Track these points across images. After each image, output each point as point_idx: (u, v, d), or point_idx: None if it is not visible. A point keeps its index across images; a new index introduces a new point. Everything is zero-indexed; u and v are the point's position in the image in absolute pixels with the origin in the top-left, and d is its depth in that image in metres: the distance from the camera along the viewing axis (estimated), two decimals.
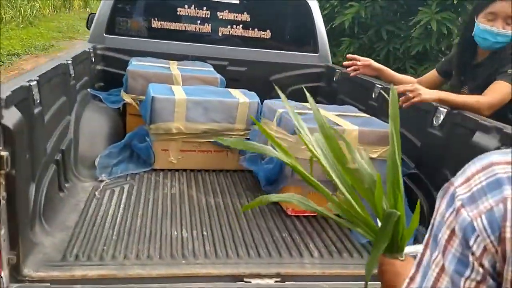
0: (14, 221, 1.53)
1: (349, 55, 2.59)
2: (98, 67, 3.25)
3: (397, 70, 6.17)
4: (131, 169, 2.52)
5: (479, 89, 2.09)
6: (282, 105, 2.40)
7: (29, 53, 8.65)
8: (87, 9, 14.98)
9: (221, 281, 1.68)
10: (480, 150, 1.75)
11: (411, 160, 2.29)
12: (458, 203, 0.63)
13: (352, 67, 2.50)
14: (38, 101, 1.82)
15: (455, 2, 4.88)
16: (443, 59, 2.62)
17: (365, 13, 5.66)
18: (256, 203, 1.41)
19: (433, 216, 0.68)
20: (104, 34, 3.33)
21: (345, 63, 2.56)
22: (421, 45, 5.46)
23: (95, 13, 4.20)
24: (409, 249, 1.09)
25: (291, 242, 1.94)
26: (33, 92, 1.76)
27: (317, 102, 3.36)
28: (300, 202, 1.19)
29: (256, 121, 1.91)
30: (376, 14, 5.75)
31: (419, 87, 2.01)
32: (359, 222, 1.10)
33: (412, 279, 0.69)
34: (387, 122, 1.16)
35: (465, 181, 0.64)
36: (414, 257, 0.74)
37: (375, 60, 6.76)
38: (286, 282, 1.70)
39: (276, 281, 1.70)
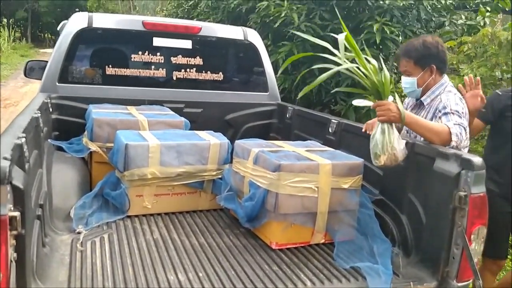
0: (23, 283, 1.51)
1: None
2: (53, 116, 3.19)
3: (329, 102, 6.64)
4: (105, 218, 2.49)
5: None
6: (255, 145, 2.55)
7: None
8: None
9: None
10: (441, 175, 2.02)
11: (375, 188, 2.53)
12: None
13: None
14: (28, 157, 1.80)
15: (378, 41, 5.41)
16: (483, 109, 2.71)
17: (297, 51, 6.05)
18: None
19: None
20: (57, 83, 3.29)
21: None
22: (349, 79, 5.92)
23: (34, 60, 4.14)
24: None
25: (283, 274, 2.05)
26: (24, 149, 1.75)
27: (271, 138, 3.57)
28: None
29: None
30: (307, 51, 6.16)
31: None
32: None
33: None
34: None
35: None
36: None
37: (308, 95, 7.14)
38: None
39: None
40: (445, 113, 2.31)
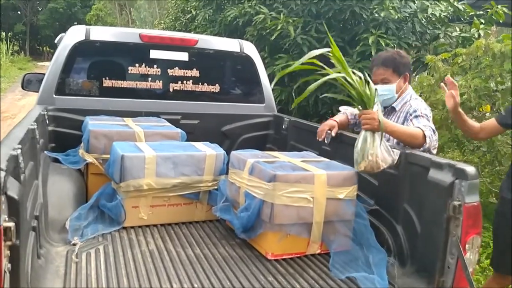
0: None
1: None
2: (49, 128, 3.20)
3: (326, 114, 6.67)
4: (101, 229, 2.49)
5: None
6: (250, 155, 2.56)
7: None
8: None
9: None
10: (435, 184, 2.03)
11: (370, 198, 2.54)
12: None
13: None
14: (23, 169, 1.81)
15: (373, 53, 5.45)
16: (503, 113, 2.74)
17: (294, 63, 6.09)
18: None
19: None
20: (54, 95, 3.31)
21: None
22: (344, 91, 5.96)
23: (31, 73, 4.16)
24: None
25: (279, 285, 2.05)
26: (20, 160, 1.76)
27: (268, 149, 3.58)
28: None
29: None
30: (304, 64, 6.20)
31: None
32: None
33: None
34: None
35: None
36: None
37: (305, 106, 7.18)
38: None
39: None
40: (416, 116, 2.57)
